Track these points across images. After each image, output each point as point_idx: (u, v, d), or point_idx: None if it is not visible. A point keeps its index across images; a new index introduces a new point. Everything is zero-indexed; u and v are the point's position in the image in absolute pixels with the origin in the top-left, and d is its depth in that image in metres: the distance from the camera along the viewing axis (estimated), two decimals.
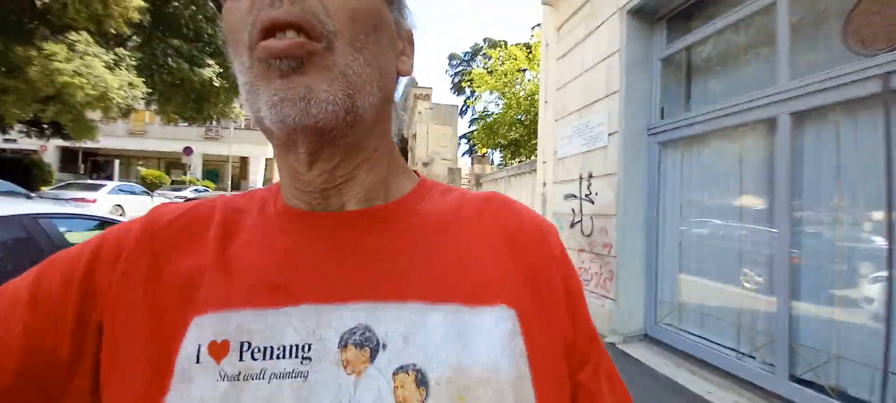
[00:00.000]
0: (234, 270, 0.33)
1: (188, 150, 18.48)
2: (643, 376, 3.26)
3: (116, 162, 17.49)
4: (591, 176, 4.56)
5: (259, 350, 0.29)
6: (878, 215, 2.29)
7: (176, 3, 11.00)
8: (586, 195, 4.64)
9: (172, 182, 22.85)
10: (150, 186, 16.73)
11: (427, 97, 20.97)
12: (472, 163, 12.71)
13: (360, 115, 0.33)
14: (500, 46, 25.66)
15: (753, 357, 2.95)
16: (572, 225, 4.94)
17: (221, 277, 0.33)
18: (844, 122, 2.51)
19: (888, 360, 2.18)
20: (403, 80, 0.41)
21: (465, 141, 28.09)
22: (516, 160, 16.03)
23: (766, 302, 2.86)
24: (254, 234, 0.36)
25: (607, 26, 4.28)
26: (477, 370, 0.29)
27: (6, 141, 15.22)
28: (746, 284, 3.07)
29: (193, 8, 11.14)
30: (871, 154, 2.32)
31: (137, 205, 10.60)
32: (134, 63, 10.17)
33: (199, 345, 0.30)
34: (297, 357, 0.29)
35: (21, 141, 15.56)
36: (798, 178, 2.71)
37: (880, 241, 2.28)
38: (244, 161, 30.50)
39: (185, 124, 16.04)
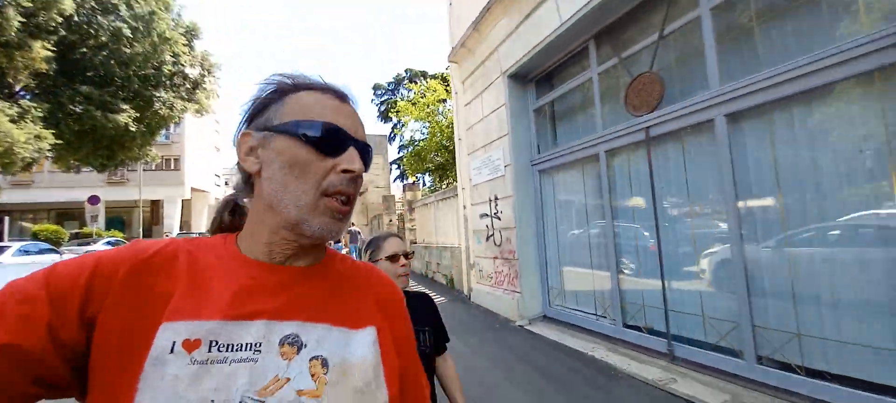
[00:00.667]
0: (204, 293, 0.48)
1: (94, 199, 16.88)
2: (543, 345, 4.39)
3: (7, 219, 15.37)
4: (497, 198, 5.80)
5: (224, 346, 0.45)
6: (650, 215, 3.70)
7: (84, 50, 10.62)
8: (495, 213, 5.86)
9: (72, 235, 20.43)
10: (51, 243, 15.07)
11: None
12: (404, 191, 13.64)
13: None
14: (420, 77, 27.30)
15: (604, 317, 4.28)
16: (487, 239, 6.12)
17: (193, 297, 0.47)
18: (632, 157, 3.95)
19: (667, 303, 3.55)
20: None
21: (396, 166, 28.97)
22: (444, 183, 17.31)
23: (606, 279, 4.21)
24: (218, 270, 0.51)
25: (495, 85, 5.62)
26: (354, 359, 0.51)
27: None
28: (595, 268, 4.42)
29: (104, 54, 10.82)
30: (645, 176, 3.75)
31: (49, 264, 9.80)
32: (40, 114, 9.63)
33: (174, 341, 0.44)
34: (251, 350, 0.46)
35: None
36: (614, 194, 4.13)
37: (654, 234, 3.68)
38: (155, 205, 27.90)
39: (86, 170, 14.72)
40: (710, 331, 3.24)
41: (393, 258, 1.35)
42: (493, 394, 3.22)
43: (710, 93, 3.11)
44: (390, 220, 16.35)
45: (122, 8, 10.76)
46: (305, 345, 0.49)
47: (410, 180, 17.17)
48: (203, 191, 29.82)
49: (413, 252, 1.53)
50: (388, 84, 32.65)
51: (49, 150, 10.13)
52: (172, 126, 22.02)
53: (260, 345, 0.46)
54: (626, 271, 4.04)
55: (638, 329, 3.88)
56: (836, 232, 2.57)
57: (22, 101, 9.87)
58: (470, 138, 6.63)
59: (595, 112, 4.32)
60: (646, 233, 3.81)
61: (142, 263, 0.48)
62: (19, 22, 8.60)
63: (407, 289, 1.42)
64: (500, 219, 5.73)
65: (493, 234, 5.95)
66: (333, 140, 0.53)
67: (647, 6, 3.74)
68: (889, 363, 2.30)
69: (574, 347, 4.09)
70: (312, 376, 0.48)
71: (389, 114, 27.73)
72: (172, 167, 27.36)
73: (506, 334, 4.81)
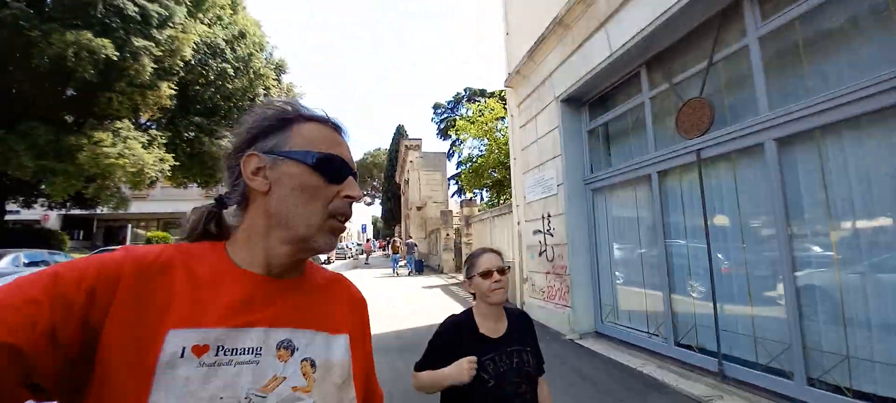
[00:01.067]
0: (206, 302, 0.53)
1: None
2: (592, 357, 4.56)
3: (129, 227, 18.66)
4: (549, 215, 6.06)
5: (230, 350, 0.52)
6: (702, 236, 3.77)
7: (197, 87, 12.77)
8: (548, 230, 6.12)
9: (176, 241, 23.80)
10: None
11: (417, 147, 22.82)
12: (461, 206, 14.19)
13: None
14: (478, 96, 27.99)
15: (657, 335, 4.35)
16: (540, 254, 6.37)
17: (196, 305, 0.52)
18: (684, 178, 4.07)
19: (718, 322, 3.60)
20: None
21: (454, 182, 29.78)
22: (502, 199, 17.59)
23: (659, 298, 4.30)
24: (217, 280, 0.56)
25: (549, 109, 5.95)
26: (335, 360, 0.61)
27: (9, 213, 16.12)
28: (647, 286, 4.52)
29: (212, 90, 12.90)
30: (697, 197, 3.85)
31: None
32: (164, 141, 11.75)
33: (184, 347, 0.49)
34: (252, 354, 0.53)
35: (22, 212, 16.63)
36: (666, 214, 4.24)
37: (706, 254, 3.75)
38: None
39: (191, 186, 17.34)
40: (761, 352, 3.26)
41: (486, 274, 1.32)
42: None
43: (759, 119, 3.21)
44: (447, 234, 16.96)
45: (227, 51, 12.76)
46: (297, 349, 0.57)
47: (467, 196, 17.67)
48: None
49: (509, 267, 1.44)
50: (448, 102, 33.86)
51: (169, 171, 12.22)
52: None
53: (260, 350, 0.54)
54: (678, 290, 4.12)
55: (689, 348, 3.94)
56: (885, 257, 2.57)
57: (151, 131, 12.07)
58: (524, 158, 6.98)
59: (647, 134, 4.49)
60: (698, 254, 3.89)
61: (142, 271, 0.52)
62: (152, 68, 10.66)
63: (505, 306, 1.39)
64: (552, 236, 5.98)
65: (545, 250, 6.19)
66: (337, 169, 0.62)
67: (695, 35, 3.91)
68: None
69: (623, 362, 4.22)
70: (303, 375, 0.56)
71: (448, 132, 28.73)
72: None
73: (556, 346, 5.02)
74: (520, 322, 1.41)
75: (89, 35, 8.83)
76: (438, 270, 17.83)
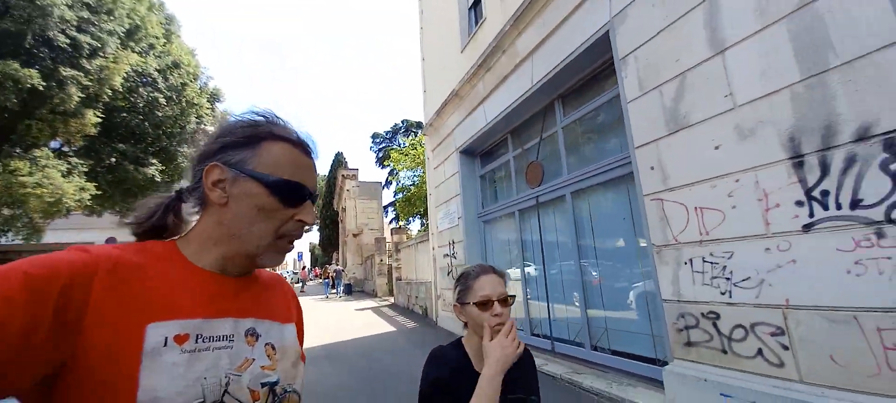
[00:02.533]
0: (178, 297, 0.59)
1: (112, 241, 18.55)
2: None
3: None
4: (454, 242, 7.54)
5: (207, 338, 0.59)
6: (540, 256, 5.42)
7: (124, 114, 12.70)
8: (453, 254, 7.58)
9: None
10: None
11: (354, 177, 23.67)
12: (392, 234, 15.36)
13: None
14: (415, 128, 29.74)
15: (521, 330, 5.91)
16: (448, 274, 7.79)
17: (169, 300, 0.57)
18: (529, 217, 5.75)
19: (550, 315, 5.21)
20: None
21: (391, 209, 30.79)
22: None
23: (520, 303, 5.89)
24: (182, 278, 0.61)
25: (452, 157, 7.54)
26: (288, 344, 0.71)
27: None
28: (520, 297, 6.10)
29: (140, 117, 12.89)
30: (536, 231, 5.52)
31: None
32: (85, 170, 11.53)
33: (166, 337, 0.54)
34: (226, 340, 0.61)
35: None
36: (526, 241, 5.90)
37: (542, 269, 5.39)
38: None
39: (106, 213, 16.48)
40: (571, 331, 4.90)
41: (484, 304, 1.04)
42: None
43: (564, 178, 4.96)
44: (381, 260, 17.94)
45: (159, 80, 12.96)
46: (260, 335, 0.67)
47: (399, 224, 18.88)
48: None
49: (513, 297, 1.13)
50: (386, 132, 35.16)
51: (89, 200, 11.92)
52: None
53: (232, 337, 0.63)
54: (532, 296, 5.74)
55: (538, 336, 5.52)
56: (618, 267, 4.33)
57: (70, 158, 11.79)
58: (437, 194, 8.48)
59: (512, 182, 6.18)
60: (539, 269, 5.55)
61: (114, 268, 0.54)
62: (79, 96, 10.66)
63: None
64: (456, 259, 7.44)
65: (452, 270, 7.63)
66: (297, 195, 0.66)
67: (533, 118, 5.71)
68: (642, 341, 3.98)
69: None
70: (268, 356, 0.67)
71: (385, 161, 29.92)
72: None
73: None
74: (522, 360, 1.10)
75: (16, 65, 8.87)
76: (373, 294, 18.64)
